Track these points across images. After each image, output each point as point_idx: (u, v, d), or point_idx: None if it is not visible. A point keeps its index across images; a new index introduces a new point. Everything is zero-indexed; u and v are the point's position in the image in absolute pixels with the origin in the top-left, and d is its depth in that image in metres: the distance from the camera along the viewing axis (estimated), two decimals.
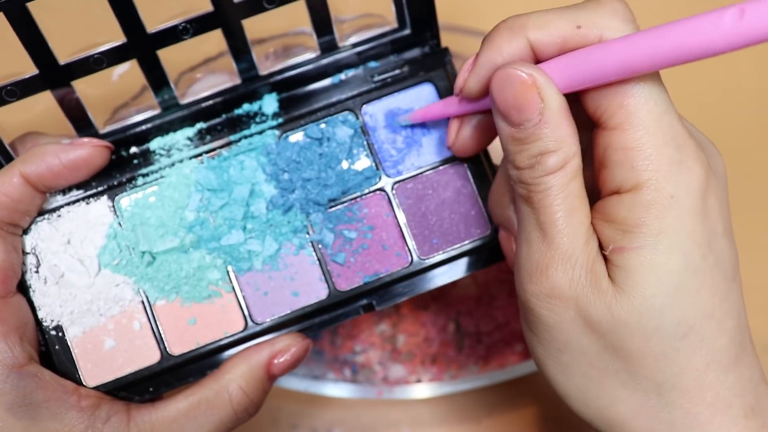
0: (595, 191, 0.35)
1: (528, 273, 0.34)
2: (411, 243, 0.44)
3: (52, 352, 0.42)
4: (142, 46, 0.41)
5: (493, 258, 0.45)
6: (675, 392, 0.33)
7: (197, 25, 0.42)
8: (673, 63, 0.29)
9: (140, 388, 0.43)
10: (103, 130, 0.44)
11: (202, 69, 0.47)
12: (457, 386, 0.62)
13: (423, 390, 0.62)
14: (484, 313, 0.65)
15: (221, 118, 0.45)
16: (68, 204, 0.44)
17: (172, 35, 0.42)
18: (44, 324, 0.42)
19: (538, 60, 0.34)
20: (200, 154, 0.44)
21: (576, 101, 0.34)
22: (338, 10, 0.45)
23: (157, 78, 0.43)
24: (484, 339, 0.65)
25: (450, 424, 0.66)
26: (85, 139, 0.42)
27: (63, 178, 0.42)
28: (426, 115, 0.43)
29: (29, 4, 0.38)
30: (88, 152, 0.42)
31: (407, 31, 0.46)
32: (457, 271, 0.45)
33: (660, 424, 0.33)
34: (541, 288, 0.33)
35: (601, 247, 0.34)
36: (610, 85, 0.32)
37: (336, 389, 0.62)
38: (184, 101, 0.45)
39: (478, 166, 0.45)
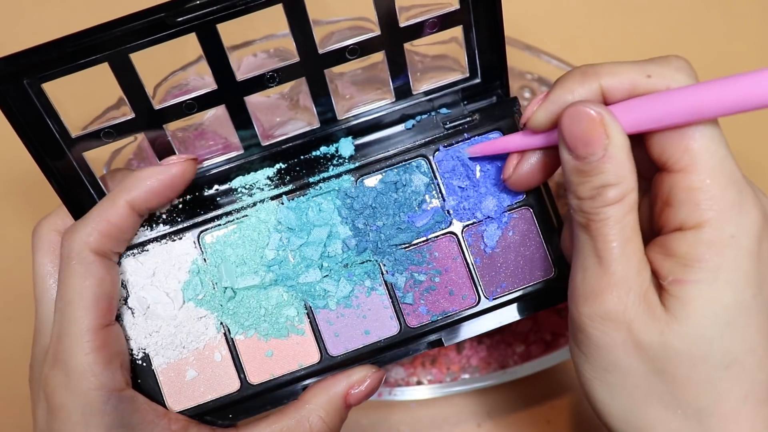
0: (652, 229, 0.38)
1: (583, 296, 0.37)
2: (479, 283, 0.46)
3: (139, 379, 0.45)
4: (231, 92, 0.44)
5: (556, 298, 0.47)
6: (714, 418, 0.35)
7: (283, 74, 0.44)
8: (733, 112, 0.33)
9: (220, 415, 0.46)
10: None
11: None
12: (458, 388, 0.63)
13: (423, 391, 0.63)
14: None
15: (300, 159, 0.48)
16: (155, 239, 0.46)
17: (259, 83, 0.44)
18: (133, 353, 0.45)
19: (606, 104, 0.37)
20: (280, 195, 0.46)
21: (639, 149, 0.37)
22: (413, 55, 0.47)
23: (242, 121, 0.45)
24: (485, 340, 0.67)
25: (450, 426, 0.67)
26: (173, 157, 0.45)
27: (164, 197, 0.44)
28: (488, 149, 0.46)
29: (132, 55, 0.40)
30: (182, 168, 0.44)
31: (477, 80, 0.48)
32: (520, 310, 0.47)
33: None
34: (596, 310, 0.36)
35: (658, 277, 0.36)
36: (674, 130, 0.35)
37: None
38: (266, 143, 0.47)
39: (543, 211, 0.47)
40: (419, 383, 0.65)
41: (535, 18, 0.75)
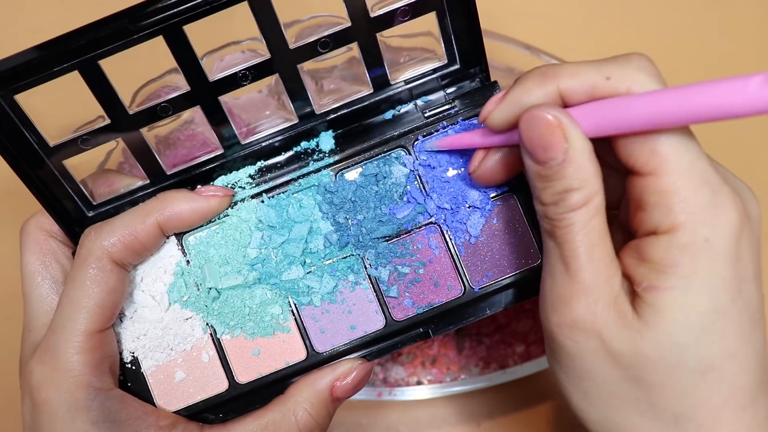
0: (628, 231, 0.37)
1: (551, 304, 0.36)
2: (464, 274, 0.46)
3: (129, 382, 0.45)
4: (204, 93, 0.44)
5: None
6: (691, 425, 0.34)
7: (255, 72, 0.44)
8: (697, 121, 0.31)
9: (210, 414, 0.46)
10: (170, 171, 0.47)
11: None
12: (458, 388, 0.63)
13: (423, 391, 0.63)
14: None
15: (281, 156, 0.48)
16: None
17: (233, 82, 0.44)
18: (122, 356, 0.45)
19: (566, 106, 0.36)
20: (260, 194, 0.46)
21: (607, 146, 0.36)
22: (388, 46, 0.47)
23: (219, 121, 0.45)
24: (485, 340, 0.66)
25: (450, 426, 0.67)
26: (211, 188, 0.45)
27: (193, 225, 0.45)
28: (453, 144, 0.45)
29: (101, 62, 0.41)
30: (219, 202, 0.45)
31: (456, 66, 0.47)
32: (508, 299, 0.46)
33: None
34: (564, 319, 0.35)
35: (632, 283, 0.35)
36: (640, 133, 0.33)
37: None
38: (245, 141, 0.47)
39: (528, 198, 0.46)
40: (419, 383, 0.65)
41: (535, 18, 0.74)
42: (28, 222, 0.46)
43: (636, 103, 0.32)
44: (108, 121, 0.43)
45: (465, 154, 0.46)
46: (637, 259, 0.35)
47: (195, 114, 0.50)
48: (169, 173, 0.47)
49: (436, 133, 0.47)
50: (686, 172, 0.33)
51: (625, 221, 0.39)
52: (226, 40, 0.46)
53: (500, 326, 0.66)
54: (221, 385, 0.46)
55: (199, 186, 0.46)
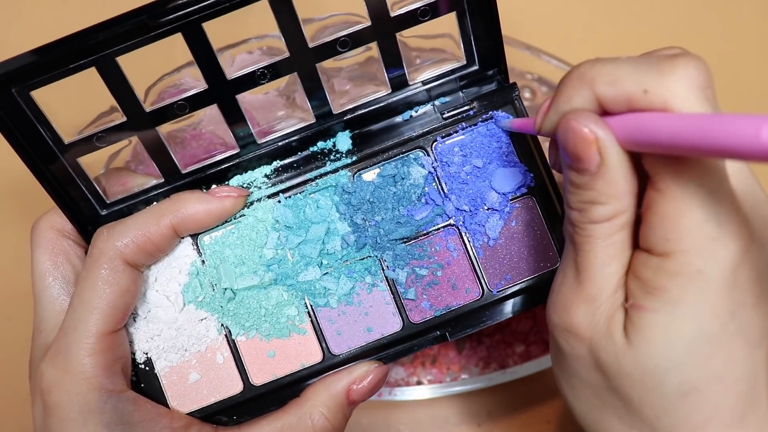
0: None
1: (554, 304, 0.37)
2: (482, 276, 0.45)
3: (143, 383, 0.45)
4: (222, 91, 0.43)
5: None
6: None
7: (274, 71, 0.43)
8: (725, 157, 0.27)
9: (224, 416, 0.45)
10: (185, 170, 0.46)
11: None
12: (458, 388, 0.63)
13: (423, 391, 0.63)
14: None
15: (297, 156, 0.47)
16: None
17: (251, 80, 0.43)
18: (135, 357, 0.45)
19: (605, 112, 0.34)
20: (276, 193, 0.46)
21: None
22: (408, 47, 0.46)
23: (236, 120, 0.45)
24: (485, 340, 0.66)
25: (450, 426, 0.67)
26: (225, 189, 0.45)
27: (207, 226, 0.45)
28: (522, 127, 0.44)
29: (119, 58, 0.40)
30: (234, 203, 0.44)
31: (475, 67, 0.47)
32: (526, 302, 0.46)
33: None
34: (563, 321, 0.36)
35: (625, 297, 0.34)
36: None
37: None
38: (261, 141, 0.46)
39: (547, 199, 0.46)
40: (419, 383, 0.65)
41: (535, 18, 0.74)
42: (40, 220, 0.45)
43: (666, 124, 0.29)
44: (124, 118, 0.43)
45: (486, 155, 0.46)
46: (630, 272, 0.34)
47: (202, 113, 0.49)
48: (183, 172, 0.46)
49: (454, 134, 0.46)
50: (696, 201, 0.31)
51: None
52: (241, 38, 0.45)
53: (500, 326, 0.66)
54: (236, 387, 0.45)
55: (213, 186, 0.46)
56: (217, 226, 0.45)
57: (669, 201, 0.31)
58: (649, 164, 0.32)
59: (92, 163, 0.45)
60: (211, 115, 0.48)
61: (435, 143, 0.46)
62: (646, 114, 0.31)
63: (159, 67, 0.47)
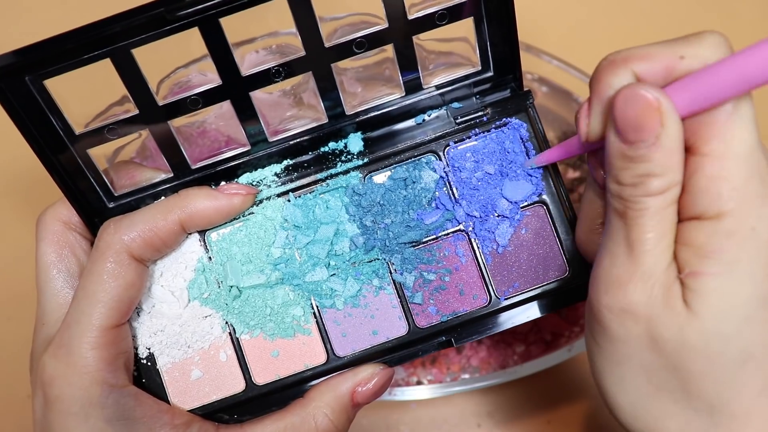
0: None
1: (605, 285, 0.35)
2: (490, 283, 0.45)
3: (144, 379, 0.44)
4: (236, 88, 0.43)
5: (570, 299, 0.45)
6: (724, 415, 0.34)
7: (289, 69, 0.43)
8: None
9: (225, 415, 0.45)
10: (195, 165, 0.46)
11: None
12: (458, 388, 0.62)
13: (423, 391, 0.62)
14: None
15: (308, 156, 0.47)
16: None
17: (265, 78, 0.43)
18: (137, 351, 0.44)
19: None
20: (286, 192, 0.45)
21: None
22: (423, 49, 0.46)
23: (248, 117, 0.44)
24: (485, 340, 0.66)
25: (450, 426, 0.67)
26: (234, 186, 0.44)
27: (215, 223, 0.44)
28: (551, 158, 0.44)
29: (134, 51, 0.40)
30: (243, 201, 0.44)
31: (490, 73, 0.46)
32: (533, 311, 0.46)
33: None
34: (617, 302, 0.35)
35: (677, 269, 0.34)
36: (709, 113, 0.32)
37: None
38: (273, 139, 0.46)
39: (557, 207, 0.46)
40: (419, 383, 0.65)
41: (535, 18, 0.74)
42: (46, 212, 0.45)
43: (723, 69, 0.31)
44: (136, 111, 0.42)
45: (497, 162, 0.45)
46: (679, 242, 0.34)
47: (208, 111, 0.49)
48: (193, 168, 0.46)
49: (467, 140, 0.46)
50: (743, 159, 0.32)
51: None
52: (256, 35, 0.45)
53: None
54: (238, 386, 0.45)
55: (222, 183, 0.45)
56: (225, 223, 0.45)
57: (715, 162, 0.32)
58: (692, 131, 0.33)
59: (101, 155, 0.45)
60: (218, 113, 0.48)
61: (447, 148, 0.46)
62: (701, 70, 0.32)
63: (172, 60, 0.47)
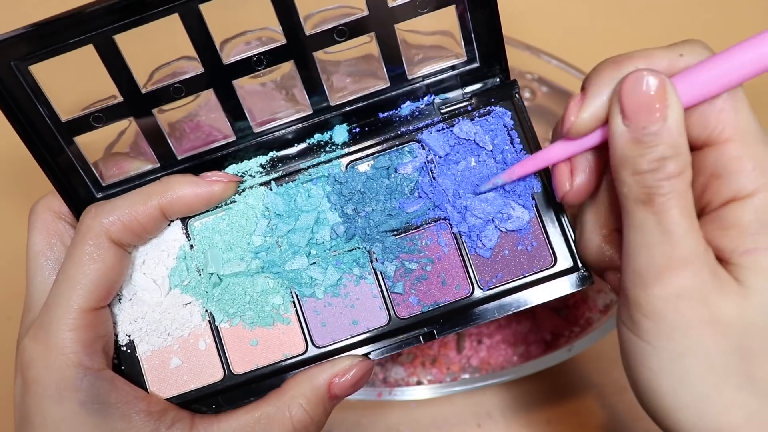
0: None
1: (652, 277, 0.35)
2: (472, 273, 0.44)
3: (123, 366, 0.44)
4: (218, 76, 0.43)
5: (554, 291, 0.44)
6: None
7: (271, 57, 0.43)
8: None
9: (203, 404, 0.44)
10: (181, 156, 0.46)
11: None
12: (458, 388, 0.61)
13: (423, 391, 0.62)
14: None
15: (293, 148, 0.47)
16: None
17: (247, 66, 0.43)
18: (118, 338, 0.44)
19: None
20: (269, 182, 0.46)
21: None
22: (407, 42, 0.46)
23: (232, 106, 0.45)
24: (485, 340, 0.65)
25: (450, 426, 0.66)
26: (217, 174, 0.45)
27: (196, 210, 0.45)
28: (528, 168, 0.42)
29: (116, 37, 0.41)
30: (224, 188, 0.44)
31: (476, 64, 0.46)
32: (517, 303, 0.44)
33: None
34: (670, 289, 0.34)
35: (718, 253, 0.35)
36: (712, 105, 0.35)
37: None
38: (258, 130, 0.46)
39: (543, 198, 0.45)
40: (419, 383, 0.64)
41: (535, 18, 0.74)
42: (38, 203, 0.46)
43: (724, 60, 0.34)
44: (120, 99, 0.43)
45: (483, 150, 0.45)
46: (721, 228, 0.35)
47: (200, 105, 0.49)
48: (179, 158, 0.46)
49: (451, 128, 0.46)
50: (756, 138, 0.35)
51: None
52: (240, 26, 0.46)
53: (500, 326, 0.65)
54: (216, 375, 0.44)
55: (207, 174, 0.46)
56: (208, 211, 0.45)
57: (737, 144, 0.35)
58: (701, 126, 0.36)
59: (90, 143, 0.46)
60: (209, 107, 0.48)
61: (431, 137, 0.46)
62: (700, 63, 0.35)
63: (162, 52, 0.47)
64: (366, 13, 0.43)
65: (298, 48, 0.43)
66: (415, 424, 0.66)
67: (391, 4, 0.43)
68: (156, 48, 0.45)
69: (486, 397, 0.66)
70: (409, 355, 0.65)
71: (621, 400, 0.67)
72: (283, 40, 0.43)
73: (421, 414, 0.66)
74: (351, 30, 0.43)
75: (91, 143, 0.45)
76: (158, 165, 0.46)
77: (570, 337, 0.64)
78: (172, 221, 0.45)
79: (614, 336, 0.66)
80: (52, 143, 0.43)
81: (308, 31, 0.43)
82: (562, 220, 0.44)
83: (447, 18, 0.45)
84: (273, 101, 0.49)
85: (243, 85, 0.45)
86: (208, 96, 0.45)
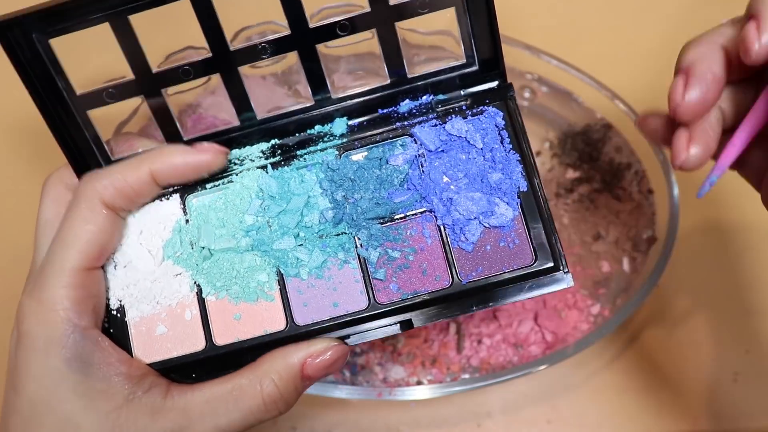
0: None
1: None
2: (453, 265, 0.45)
3: (112, 329, 0.46)
4: (225, 61, 0.46)
5: (533, 289, 0.45)
6: None
7: (275, 46, 0.46)
8: None
9: (183, 373, 0.46)
10: (187, 137, 0.49)
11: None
12: (458, 388, 0.61)
13: (423, 391, 0.62)
14: (485, 314, 0.65)
15: (294, 137, 0.49)
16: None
17: (252, 54, 0.46)
18: (109, 303, 0.46)
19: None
20: (265, 166, 0.47)
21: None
22: (408, 42, 0.48)
23: (237, 93, 0.47)
24: (485, 340, 0.65)
25: (450, 426, 0.66)
26: (206, 144, 0.47)
27: (186, 178, 0.47)
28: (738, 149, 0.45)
29: (131, 17, 0.43)
30: (212, 157, 0.46)
31: (475, 68, 0.48)
32: (496, 297, 0.45)
33: None
34: None
35: None
36: None
37: (335, 391, 0.62)
38: (261, 117, 0.48)
39: (528, 198, 0.45)
40: (419, 383, 0.64)
41: (535, 18, 0.75)
42: (51, 175, 0.49)
43: None
44: (132, 77, 0.46)
45: (474, 148, 0.46)
46: None
47: (203, 96, 0.52)
48: (185, 139, 0.49)
49: (443, 124, 0.47)
50: None
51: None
52: (248, 16, 0.48)
53: (500, 326, 0.65)
54: (198, 344, 0.46)
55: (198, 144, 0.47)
56: (206, 189, 0.47)
57: None
58: None
59: (102, 123, 0.48)
60: (214, 100, 0.51)
61: (423, 131, 0.47)
62: None
63: (176, 37, 0.50)
64: (368, 9, 0.45)
65: (302, 39, 0.45)
66: (415, 424, 0.66)
67: (391, 2, 0.44)
68: (168, 31, 0.48)
69: (486, 397, 0.67)
70: (409, 356, 0.65)
71: (621, 400, 0.66)
72: (287, 31, 0.45)
73: (421, 414, 0.67)
74: (353, 25, 0.45)
75: (103, 118, 0.48)
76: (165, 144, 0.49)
77: (570, 338, 0.64)
78: (169, 193, 0.47)
79: (614, 336, 0.66)
80: (66, 115, 0.46)
81: (312, 24, 0.45)
82: (546, 220, 0.45)
83: (447, 21, 0.47)
84: (276, 94, 0.52)
85: (248, 75, 0.48)
86: (212, 86, 0.48)
